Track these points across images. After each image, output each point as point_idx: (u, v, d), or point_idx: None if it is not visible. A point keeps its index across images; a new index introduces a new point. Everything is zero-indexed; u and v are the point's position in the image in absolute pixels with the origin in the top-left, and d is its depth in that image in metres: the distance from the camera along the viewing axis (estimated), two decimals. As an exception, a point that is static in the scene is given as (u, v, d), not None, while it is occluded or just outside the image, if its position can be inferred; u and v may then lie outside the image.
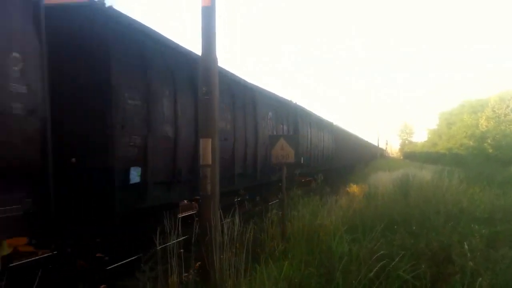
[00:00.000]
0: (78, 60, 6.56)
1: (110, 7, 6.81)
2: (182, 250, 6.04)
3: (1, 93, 4.78)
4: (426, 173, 21.42)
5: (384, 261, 5.42)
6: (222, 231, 6.37)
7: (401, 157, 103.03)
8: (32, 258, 8.73)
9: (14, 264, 8.02)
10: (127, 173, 6.91)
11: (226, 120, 10.71)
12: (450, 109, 78.31)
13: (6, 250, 5.67)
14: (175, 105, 8.26)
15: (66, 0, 6.77)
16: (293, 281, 5.26)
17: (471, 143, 52.14)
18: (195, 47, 9.31)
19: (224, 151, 10.14)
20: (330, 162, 26.03)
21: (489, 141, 47.80)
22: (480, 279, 5.05)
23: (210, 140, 6.38)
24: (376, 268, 5.25)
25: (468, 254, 5.78)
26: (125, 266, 7.68)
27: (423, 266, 5.65)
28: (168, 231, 6.06)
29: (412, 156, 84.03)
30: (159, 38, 8.17)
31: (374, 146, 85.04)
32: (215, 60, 6.54)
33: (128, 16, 7.31)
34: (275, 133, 14.15)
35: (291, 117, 17.61)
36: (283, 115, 16.19)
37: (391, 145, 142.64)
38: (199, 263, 6.42)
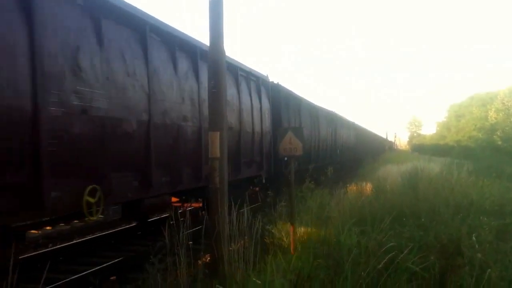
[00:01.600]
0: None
1: None
2: (191, 242, 6.08)
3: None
4: (434, 166, 21.35)
5: (393, 253, 5.42)
6: (231, 223, 6.40)
7: (410, 150, 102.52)
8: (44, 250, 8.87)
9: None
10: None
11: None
12: (459, 101, 77.87)
13: None
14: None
15: None
16: (302, 273, 5.27)
17: (480, 135, 51.75)
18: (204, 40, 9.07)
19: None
20: (342, 155, 27.40)
21: (498, 133, 47.39)
22: (489, 270, 5.04)
23: (218, 133, 6.40)
24: (385, 260, 5.24)
25: (477, 246, 5.76)
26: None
27: (432, 258, 5.64)
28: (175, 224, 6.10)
29: (420, 148, 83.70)
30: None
31: (382, 139, 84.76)
32: (223, 53, 6.54)
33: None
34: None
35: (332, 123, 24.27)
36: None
37: (400, 138, 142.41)
38: (208, 255, 6.46)
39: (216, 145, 6.36)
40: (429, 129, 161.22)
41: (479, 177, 15.20)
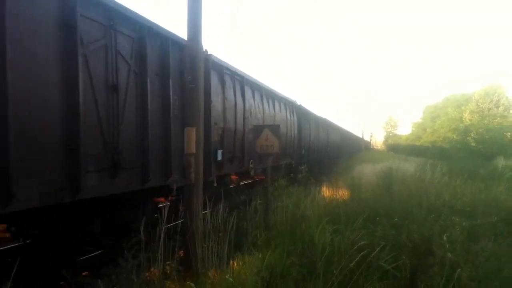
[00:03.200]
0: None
1: None
2: (166, 238, 6.04)
3: None
4: (409, 166, 21.58)
5: (365, 252, 5.47)
6: (206, 220, 6.37)
7: (385, 150, 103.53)
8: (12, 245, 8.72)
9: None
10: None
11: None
12: (434, 102, 78.87)
13: None
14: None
15: None
16: (275, 271, 5.28)
17: (454, 136, 52.49)
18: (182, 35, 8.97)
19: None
20: (317, 154, 28.22)
21: (472, 135, 48.14)
22: (459, 270, 5.12)
23: (194, 129, 6.36)
24: (357, 258, 5.29)
25: (448, 246, 5.84)
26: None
27: (404, 257, 5.71)
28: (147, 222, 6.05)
29: (396, 148, 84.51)
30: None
31: (358, 138, 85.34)
32: (201, 48, 6.52)
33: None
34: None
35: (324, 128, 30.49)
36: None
37: (376, 137, 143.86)
38: (182, 251, 6.43)
39: (192, 141, 6.33)
40: (404, 130, 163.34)
41: (452, 178, 15.42)
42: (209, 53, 10.52)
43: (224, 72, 11.46)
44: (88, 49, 6.31)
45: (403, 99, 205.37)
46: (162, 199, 9.37)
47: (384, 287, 5.26)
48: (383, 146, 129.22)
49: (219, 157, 10.69)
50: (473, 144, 46.25)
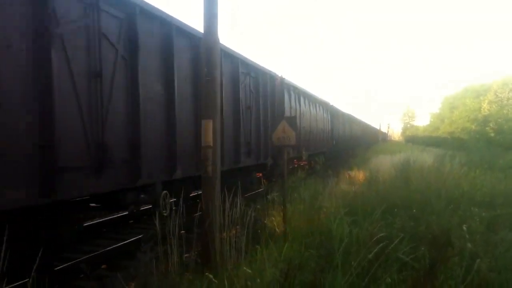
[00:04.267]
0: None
1: None
2: (183, 231, 6.07)
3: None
4: (427, 157, 21.41)
5: (384, 243, 5.44)
6: (224, 212, 6.39)
7: (403, 141, 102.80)
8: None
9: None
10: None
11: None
12: (453, 93, 78.02)
13: None
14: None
15: None
16: (293, 262, 5.28)
17: (473, 127, 51.98)
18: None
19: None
20: (344, 144, 33.53)
21: (491, 125, 47.65)
22: (478, 261, 5.07)
23: (211, 121, 6.36)
24: (376, 250, 5.26)
25: (467, 237, 5.79)
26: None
27: (423, 249, 5.67)
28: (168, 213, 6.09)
29: (413, 139, 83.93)
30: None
31: (376, 130, 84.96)
32: (217, 39, 6.49)
33: None
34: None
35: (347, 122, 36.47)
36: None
37: (393, 129, 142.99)
38: (200, 244, 6.45)
39: (209, 133, 6.31)
40: (422, 121, 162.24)
41: (471, 168, 15.27)
42: (283, 77, 15.86)
43: (290, 89, 17.27)
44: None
45: (403, 99, 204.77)
46: None
47: (403, 278, 5.24)
48: (401, 137, 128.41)
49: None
50: (492, 134, 45.78)
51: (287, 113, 15.84)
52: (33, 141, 5.28)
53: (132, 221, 11.19)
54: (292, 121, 8.84)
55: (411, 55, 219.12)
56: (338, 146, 29.73)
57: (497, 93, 52.36)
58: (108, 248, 8.38)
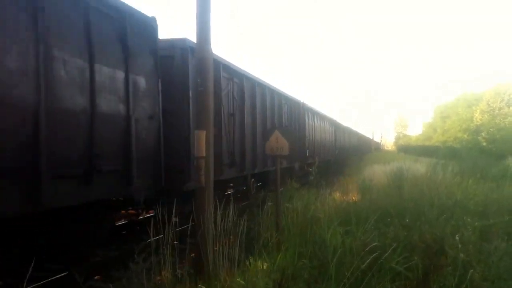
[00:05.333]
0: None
1: None
2: (176, 242, 6.05)
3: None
4: (420, 166, 21.48)
5: (377, 253, 5.44)
6: (216, 223, 6.38)
7: (396, 150, 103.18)
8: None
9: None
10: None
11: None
12: (445, 102, 78.47)
13: None
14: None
15: None
16: (286, 273, 5.28)
17: (465, 136, 52.25)
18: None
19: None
20: (343, 152, 38.99)
21: (483, 134, 47.91)
22: (472, 271, 5.08)
23: (204, 132, 6.37)
24: (369, 259, 5.26)
25: (460, 246, 5.80)
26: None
27: (416, 258, 5.67)
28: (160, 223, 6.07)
29: (406, 149, 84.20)
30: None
31: (369, 139, 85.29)
32: (210, 50, 6.52)
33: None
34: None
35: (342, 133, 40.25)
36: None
37: (386, 138, 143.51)
38: (193, 254, 6.43)
39: (202, 144, 6.33)
40: (415, 130, 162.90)
41: (464, 177, 15.32)
42: (303, 102, 22.00)
43: (308, 111, 23.11)
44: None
45: (403, 99, 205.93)
46: None
47: (396, 288, 5.24)
48: (393, 147, 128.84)
49: (307, 153, 22.03)
50: (484, 143, 46.01)
51: (307, 129, 22.24)
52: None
53: (124, 232, 11.13)
54: (286, 131, 8.87)
55: (411, 55, 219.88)
56: (340, 154, 34.98)
57: (489, 103, 52.70)
58: (101, 258, 8.33)
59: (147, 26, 8.14)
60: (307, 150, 21.78)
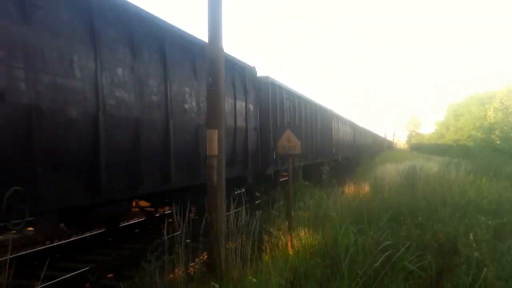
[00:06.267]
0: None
1: None
2: (188, 241, 6.07)
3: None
4: (433, 165, 21.36)
5: (390, 252, 5.42)
6: (229, 221, 6.39)
7: (408, 149, 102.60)
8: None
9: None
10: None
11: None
12: (458, 101, 77.83)
13: None
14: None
15: None
16: (299, 271, 5.27)
17: (478, 134, 51.76)
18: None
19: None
20: (360, 150, 43.19)
21: (496, 132, 47.39)
22: (486, 269, 5.04)
23: (216, 131, 6.39)
24: (382, 258, 5.25)
25: (474, 245, 5.77)
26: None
27: (429, 257, 5.64)
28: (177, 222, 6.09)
29: (419, 147, 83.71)
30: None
31: (382, 138, 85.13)
32: (221, 50, 6.53)
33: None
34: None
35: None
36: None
37: (398, 137, 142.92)
38: (205, 253, 6.45)
39: (214, 143, 6.35)
40: (427, 129, 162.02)
41: (477, 176, 15.20)
42: (331, 109, 27.23)
43: (334, 116, 27.78)
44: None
45: (403, 98, 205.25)
46: None
47: (409, 287, 5.21)
48: (406, 145, 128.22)
49: (334, 151, 26.35)
50: (497, 142, 45.57)
51: (333, 132, 26.98)
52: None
53: (137, 230, 11.20)
54: (296, 130, 8.86)
55: (411, 55, 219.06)
56: (358, 152, 40.01)
57: (502, 101, 52.15)
58: (114, 257, 8.39)
59: (252, 73, 13.35)
60: (334, 149, 26.90)
